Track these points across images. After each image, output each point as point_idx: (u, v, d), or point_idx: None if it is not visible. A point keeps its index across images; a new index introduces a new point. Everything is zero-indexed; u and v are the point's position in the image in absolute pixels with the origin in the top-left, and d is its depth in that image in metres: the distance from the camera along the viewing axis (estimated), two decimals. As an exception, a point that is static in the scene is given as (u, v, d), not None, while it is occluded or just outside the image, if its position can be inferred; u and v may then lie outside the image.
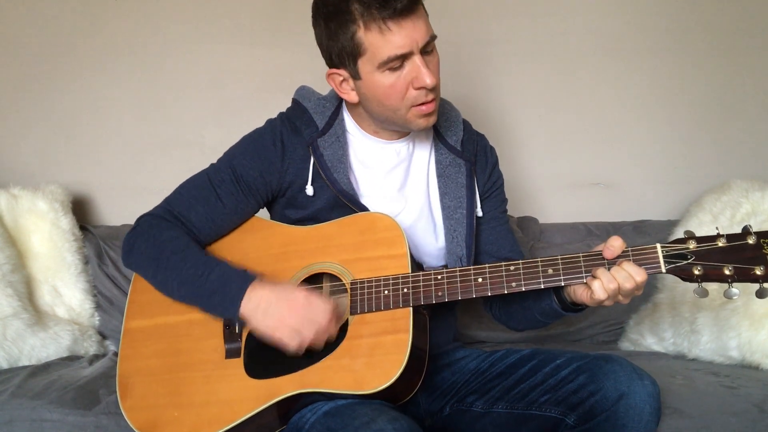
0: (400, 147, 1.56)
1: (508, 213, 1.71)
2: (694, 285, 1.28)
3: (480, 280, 1.36)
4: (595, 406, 1.30)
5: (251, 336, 1.43)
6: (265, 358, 1.40)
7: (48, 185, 2.22)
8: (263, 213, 1.60)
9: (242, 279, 1.39)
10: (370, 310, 1.38)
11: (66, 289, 2.15)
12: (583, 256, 1.32)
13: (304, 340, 1.34)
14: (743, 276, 1.24)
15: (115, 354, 2.03)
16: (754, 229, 1.26)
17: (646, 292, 2.19)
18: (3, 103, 2.39)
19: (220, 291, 1.40)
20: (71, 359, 2.00)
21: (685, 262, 1.27)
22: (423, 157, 1.59)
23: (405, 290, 1.37)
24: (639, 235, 2.32)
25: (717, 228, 1.31)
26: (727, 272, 1.25)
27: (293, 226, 1.52)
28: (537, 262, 1.34)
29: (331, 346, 1.37)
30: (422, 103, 1.42)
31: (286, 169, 1.52)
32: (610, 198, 2.52)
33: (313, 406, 1.36)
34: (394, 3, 1.33)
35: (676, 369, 1.83)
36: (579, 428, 1.32)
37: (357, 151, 1.55)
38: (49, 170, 2.38)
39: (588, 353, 1.40)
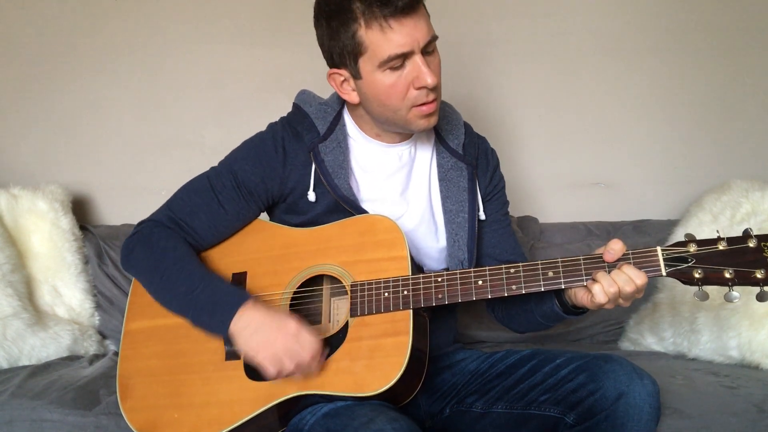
0: (402, 151, 1.56)
1: (509, 213, 1.71)
2: (695, 288, 1.28)
3: (480, 282, 1.36)
4: (595, 406, 1.30)
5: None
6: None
7: (48, 185, 2.23)
8: (264, 215, 1.60)
9: (235, 299, 1.38)
10: (370, 312, 1.38)
11: (66, 289, 2.15)
12: (584, 259, 1.32)
13: (283, 369, 1.33)
14: (744, 279, 1.24)
15: (115, 354, 2.04)
16: (755, 230, 1.26)
17: (646, 292, 2.16)
18: (3, 103, 2.40)
19: (209, 310, 1.39)
20: (71, 359, 2.00)
21: (686, 265, 1.27)
22: (425, 160, 1.59)
23: (405, 292, 1.37)
24: (639, 235, 2.32)
25: (717, 231, 1.31)
26: (727, 275, 1.25)
27: (294, 228, 1.52)
28: (537, 264, 1.34)
29: (331, 347, 1.37)
30: (423, 104, 1.42)
31: (288, 175, 1.52)
32: (610, 198, 2.52)
33: (312, 407, 1.37)
34: (396, 1, 1.33)
35: (676, 369, 1.83)
36: (578, 427, 1.32)
37: (358, 156, 1.55)
38: (49, 170, 2.39)
39: (588, 353, 1.40)
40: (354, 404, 1.32)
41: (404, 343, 1.32)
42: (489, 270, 1.36)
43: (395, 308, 1.36)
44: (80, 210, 2.38)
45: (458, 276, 1.37)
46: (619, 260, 1.30)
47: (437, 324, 1.52)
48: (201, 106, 2.44)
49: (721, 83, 2.49)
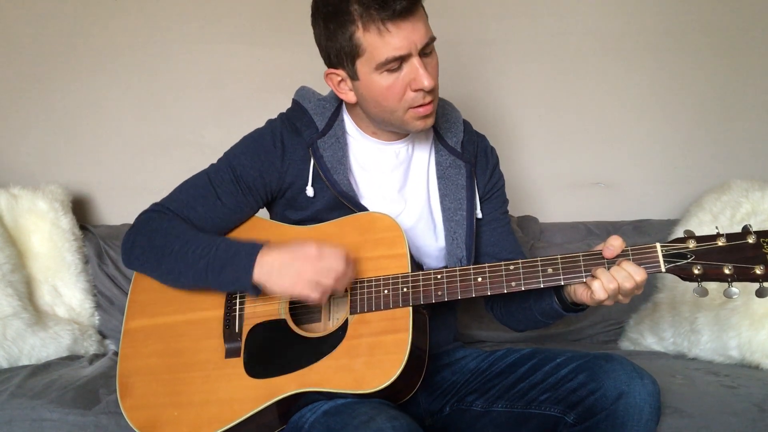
0: (399, 148, 1.56)
1: (509, 212, 1.71)
2: (694, 284, 1.28)
3: (480, 279, 1.36)
4: (595, 405, 1.30)
5: (251, 335, 1.43)
6: (265, 357, 1.40)
7: (48, 185, 2.22)
8: (263, 213, 1.60)
9: (250, 247, 1.39)
10: (369, 310, 1.38)
11: (66, 288, 2.15)
12: (583, 256, 1.32)
13: (325, 288, 1.34)
14: (743, 275, 1.24)
15: (115, 353, 2.04)
16: (754, 228, 1.26)
17: (646, 292, 2.19)
18: (3, 103, 2.40)
19: (229, 264, 1.39)
20: (71, 359, 2.00)
21: (685, 261, 1.27)
22: (423, 158, 1.59)
23: (405, 290, 1.37)
24: (639, 235, 2.32)
25: (717, 227, 1.31)
26: (726, 271, 1.25)
27: (293, 226, 1.52)
28: (537, 261, 1.34)
29: (331, 345, 1.37)
30: (420, 105, 1.42)
31: (286, 169, 1.52)
32: (610, 198, 2.52)
33: (312, 405, 1.36)
34: (394, 4, 1.33)
35: (676, 368, 1.83)
36: (578, 427, 1.32)
37: (356, 153, 1.55)
38: (49, 170, 2.38)
39: (588, 352, 1.40)
40: (354, 402, 1.32)
41: (404, 341, 1.33)
42: (488, 267, 1.37)
43: (395, 305, 1.37)
44: (80, 210, 2.37)
45: (458, 273, 1.38)
46: (618, 256, 1.30)
47: (437, 322, 1.52)
48: (201, 106, 2.44)
49: (721, 83, 2.49)
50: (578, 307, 1.41)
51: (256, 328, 1.44)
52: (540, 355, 1.44)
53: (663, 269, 1.28)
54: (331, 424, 1.28)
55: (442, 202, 1.56)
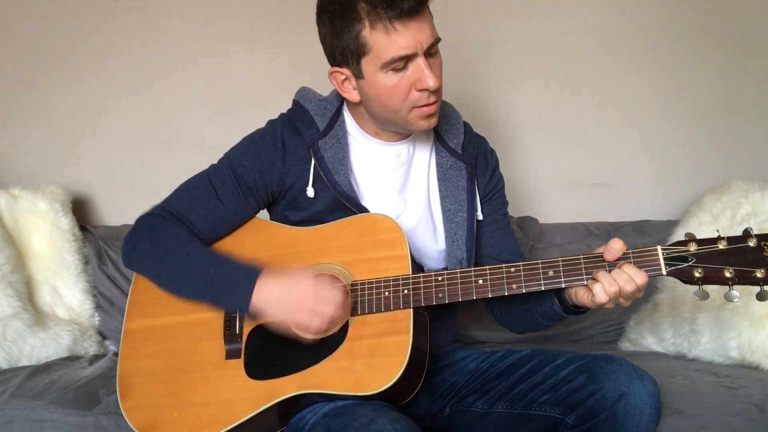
0: (400, 149, 1.56)
1: (509, 213, 1.71)
2: (695, 287, 1.29)
3: (480, 281, 1.36)
4: (595, 406, 1.30)
5: (252, 337, 1.43)
6: (265, 359, 1.40)
7: (48, 185, 2.23)
8: (263, 214, 1.60)
9: (249, 273, 1.39)
10: (370, 312, 1.38)
11: (66, 289, 2.15)
12: (584, 258, 1.32)
13: (321, 322, 1.34)
14: (744, 279, 1.24)
15: (115, 354, 2.04)
16: (755, 230, 1.26)
17: (647, 292, 2.19)
18: (3, 103, 2.40)
19: (227, 288, 1.39)
20: (71, 359, 2.00)
21: (686, 264, 1.27)
22: (423, 159, 1.59)
23: (405, 291, 1.37)
24: (639, 235, 2.32)
25: (717, 231, 1.31)
26: (727, 275, 1.25)
27: (294, 227, 1.52)
28: (537, 263, 1.34)
29: (331, 346, 1.37)
30: (424, 105, 1.42)
31: (287, 170, 1.52)
32: (610, 198, 2.52)
33: (313, 407, 1.36)
34: (401, 3, 1.33)
35: (676, 369, 1.83)
36: (579, 428, 1.32)
37: (357, 154, 1.55)
38: (49, 170, 2.39)
39: (588, 353, 1.40)
40: (355, 404, 1.32)
41: (404, 342, 1.33)
42: (489, 269, 1.36)
43: (395, 307, 1.37)
44: (80, 210, 2.38)
45: (458, 275, 1.38)
46: (619, 259, 1.30)
47: (437, 323, 1.52)
48: (201, 106, 2.44)
49: (721, 83, 2.49)
50: (579, 310, 1.41)
51: (257, 330, 1.44)
52: (540, 356, 1.44)
53: (664, 272, 1.28)
54: (331, 426, 1.28)
55: (442, 204, 1.56)
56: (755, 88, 2.50)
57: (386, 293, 1.38)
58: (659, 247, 1.29)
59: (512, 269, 1.35)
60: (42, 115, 2.41)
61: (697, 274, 1.26)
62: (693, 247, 1.28)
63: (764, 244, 1.24)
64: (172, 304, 1.50)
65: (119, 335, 1.55)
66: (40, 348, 1.97)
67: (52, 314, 2.10)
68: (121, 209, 2.41)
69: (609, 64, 2.48)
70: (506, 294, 1.34)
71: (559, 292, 1.41)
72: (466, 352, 1.62)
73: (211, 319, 1.47)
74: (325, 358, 1.36)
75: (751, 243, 1.25)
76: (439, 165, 1.58)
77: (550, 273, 1.33)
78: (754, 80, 2.49)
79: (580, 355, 1.39)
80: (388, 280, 1.39)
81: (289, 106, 1.60)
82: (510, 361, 1.48)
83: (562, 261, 1.33)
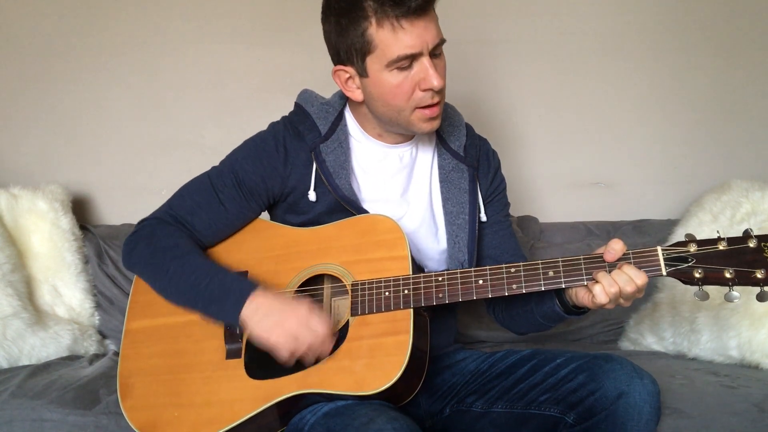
0: (402, 152, 1.56)
1: (510, 214, 1.71)
2: (695, 288, 1.29)
3: (481, 281, 1.36)
4: (595, 405, 1.30)
5: (252, 337, 1.44)
6: (265, 358, 1.40)
7: (48, 185, 2.22)
8: (264, 215, 1.60)
9: (243, 288, 1.39)
10: (370, 312, 1.38)
11: (66, 288, 2.15)
12: (584, 259, 1.32)
13: (299, 346, 1.34)
14: (744, 279, 1.24)
15: (116, 354, 2.04)
16: (755, 230, 1.26)
17: (646, 292, 2.16)
18: (3, 103, 2.39)
19: (218, 301, 1.40)
20: (71, 359, 2.00)
21: (686, 265, 1.27)
22: (426, 162, 1.59)
23: (406, 291, 1.37)
24: (639, 235, 2.32)
25: (718, 231, 1.31)
26: (727, 275, 1.25)
27: (295, 227, 1.52)
28: (538, 264, 1.34)
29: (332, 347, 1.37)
30: (427, 106, 1.42)
31: (289, 174, 1.52)
32: (610, 198, 2.52)
33: (313, 407, 1.36)
34: (409, 2, 1.33)
35: (676, 369, 1.83)
36: (578, 427, 1.32)
37: (359, 157, 1.55)
38: (49, 170, 2.38)
39: (588, 353, 1.40)
40: (355, 404, 1.32)
41: (405, 342, 1.33)
42: (489, 269, 1.36)
43: (396, 307, 1.37)
44: (80, 210, 2.37)
45: (459, 275, 1.38)
46: (619, 260, 1.30)
47: (437, 324, 1.52)
48: (201, 106, 2.44)
49: (721, 83, 2.49)
50: (579, 310, 1.41)
51: (257, 330, 1.44)
52: (540, 356, 1.44)
53: (664, 273, 1.28)
54: (331, 426, 1.28)
55: (444, 206, 1.56)
56: (755, 88, 2.50)
57: (386, 293, 1.38)
58: (659, 248, 1.29)
59: (512, 269, 1.35)
60: (42, 115, 2.40)
61: (697, 275, 1.26)
62: (693, 248, 1.28)
63: (764, 245, 1.24)
64: (172, 305, 1.50)
65: (119, 335, 1.55)
66: (40, 347, 1.97)
67: (52, 314, 2.10)
68: (121, 209, 2.41)
69: (609, 64, 2.48)
70: (506, 294, 1.34)
71: (559, 293, 1.41)
72: (466, 353, 1.62)
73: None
74: (326, 358, 1.36)
75: (751, 244, 1.25)
76: (441, 167, 1.58)
77: (550, 273, 1.33)
78: (754, 80, 2.50)
79: (580, 355, 1.39)
80: (389, 281, 1.39)
81: (289, 106, 1.60)
82: (510, 361, 1.48)
83: (562, 261, 1.33)
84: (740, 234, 1.27)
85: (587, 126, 2.50)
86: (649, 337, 2.12)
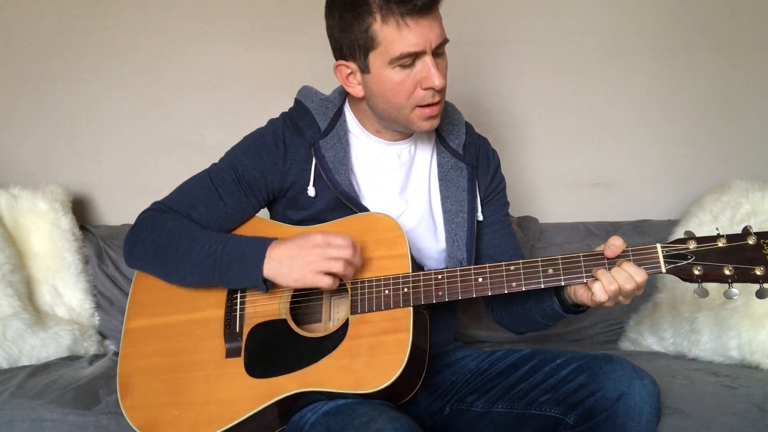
0: (401, 149, 1.56)
1: (509, 214, 1.71)
2: (694, 285, 1.28)
3: (480, 279, 1.36)
4: (595, 406, 1.30)
5: (252, 335, 1.43)
6: (265, 357, 1.40)
7: (48, 185, 2.22)
8: (264, 213, 1.60)
9: (259, 243, 1.39)
10: (370, 310, 1.38)
11: (66, 289, 2.15)
12: (584, 256, 1.32)
13: (335, 269, 1.35)
14: (743, 276, 1.24)
15: (115, 354, 2.04)
16: (755, 229, 1.26)
17: (646, 292, 2.19)
18: (3, 103, 2.40)
19: (238, 261, 1.39)
20: (71, 359, 2.00)
21: (685, 262, 1.27)
22: (425, 160, 1.59)
23: (405, 290, 1.37)
24: (639, 235, 2.32)
25: (717, 228, 1.31)
26: (727, 272, 1.25)
27: (294, 226, 1.52)
28: (537, 262, 1.34)
29: (331, 345, 1.37)
30: (427, 105, 1.43)
31: (288, 169, 1.52)
32: (610, 198, 2.52)
33: (313, 405, 1.36)
34: (415, 0, 1.33)
35: (676, 369, 1.83)
36: (579, 428, 1.32)
37: (359, 153, 1.55)
38: (49, 170, 2.39)
39: (588, 353, 1.40)
40: (355, 403, 1.32)
41: (404, 341, 1.33)
42: (489, 267, 1.36)
43: (395, 305, 1.37)
44: (80, 210, 2.38)
45: (458, 273, 1.38)
46: (619, 257, 1.30)
47: (437, 322, 1.52)
48: (201, 106, 2.44)
49: (721, 83, 2.50)
50: (578, 309, 1.41)
51: (257, 328, 1.44)
52: (540, 356, 1.44)
53: (663, 270, 1.28)
54: (331, 425, 1.28)
55: (443, 204, 1.56)
56: (755, 88, 2.50)
57: (386, 291, 1.38)
58: (659, 245, 1.29)
59: (512, 267, 1.35)
60: (42, 115, 2.41)
61: (696, 272, 1.26)
62: (692, 245, 1.28)
63: (763, 242, 1.24)
64: (172, 304, 1.50)
65: (119, 335, 1.55)
66: (40, 348, 1.97)
67: (52, 314, 2.10)
68: (121, 209, 2.41)
69: (609, 64, 2.49)
70: (506, 292, 1.34)
71: (558, 291, 1.41)
72: (466, 352, 1.62)
73: (212, 318, 1.47)
74: (325, 356, 1.36)
75: (751, 241, 1.25)
76: (440, 165, 1.58)
77: (550, 271, 1.33)
78: (754, 80, 2.50)
79: (580, 355, 1.39)
80: (388, 279, 1.39)
81: (290, 105, 1.61)
82: (510, 361, 1.48)
83: (562, 259, 1.33)
84: (740, 231, 1.27)
85: (587, 126, 2.50)
86: (649, 338, 2.11)
